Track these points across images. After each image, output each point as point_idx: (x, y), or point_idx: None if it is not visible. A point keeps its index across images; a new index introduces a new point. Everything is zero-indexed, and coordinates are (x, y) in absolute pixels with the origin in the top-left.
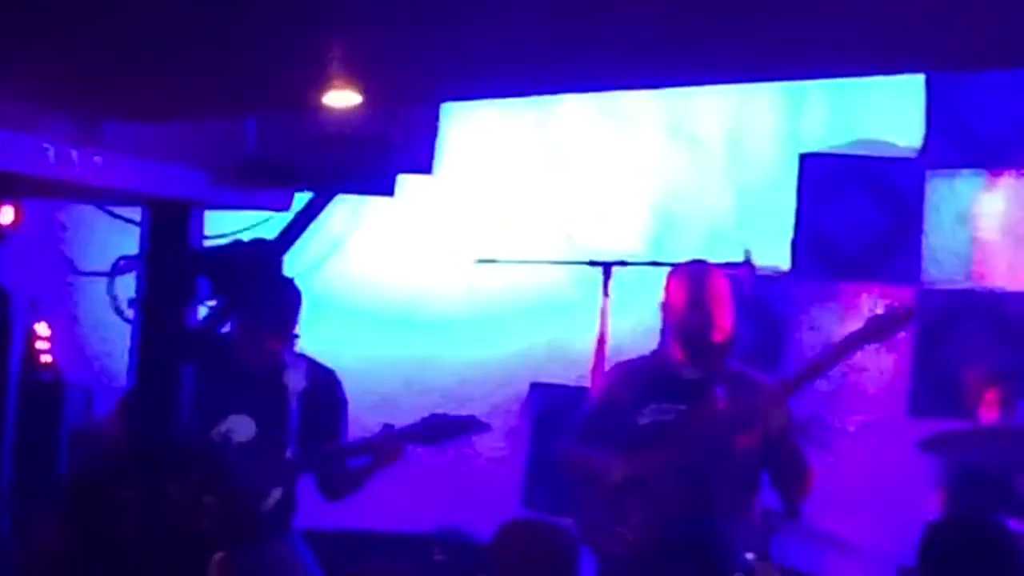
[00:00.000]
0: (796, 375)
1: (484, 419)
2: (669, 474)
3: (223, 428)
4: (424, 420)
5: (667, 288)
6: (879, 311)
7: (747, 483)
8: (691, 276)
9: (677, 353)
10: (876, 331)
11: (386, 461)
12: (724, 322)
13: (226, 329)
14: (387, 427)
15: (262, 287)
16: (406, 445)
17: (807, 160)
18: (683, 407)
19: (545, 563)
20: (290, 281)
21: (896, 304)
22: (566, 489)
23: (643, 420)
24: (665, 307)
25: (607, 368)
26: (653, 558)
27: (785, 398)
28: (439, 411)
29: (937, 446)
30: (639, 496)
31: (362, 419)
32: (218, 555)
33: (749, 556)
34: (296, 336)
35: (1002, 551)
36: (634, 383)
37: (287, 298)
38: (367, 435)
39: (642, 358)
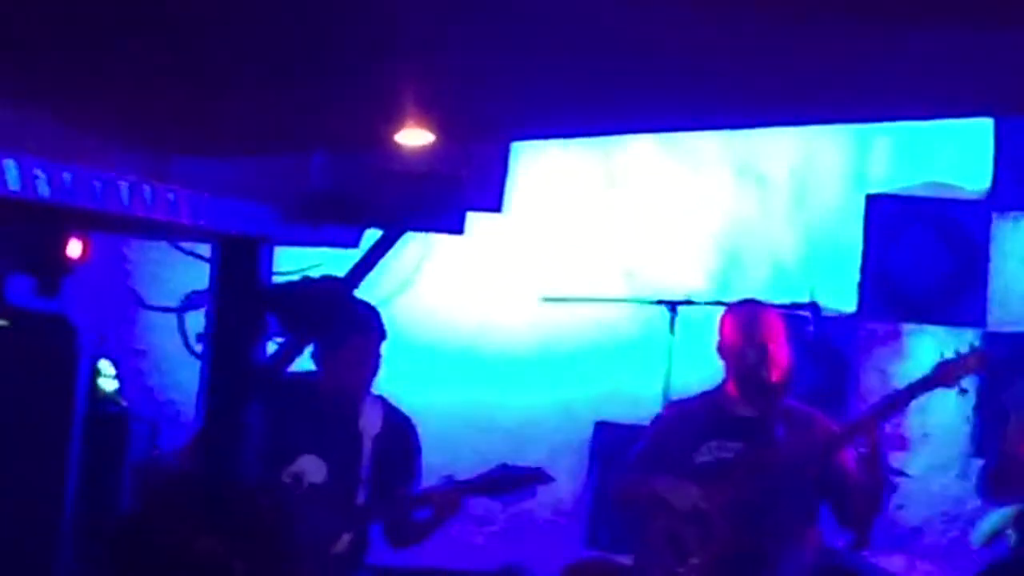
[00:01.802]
0: (859, 419)
1: (547, 458)
2: (728, 513)
3: (294, 469)
4: (489, 472)
5: (721, 327)
6: (948, 356)
7: (805, 519)
8: (744, 315)
9: (733, 391)
10: (943, 377)
11: (447, 514)
12: (780, 360)
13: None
14: (447, 479)
15: (336, 323)
16: (468, 497)
17: (873, 201)
18: (741, 445)
19: None
20: (372, 313)
21: (966, 350)
22: (627, 528)
23: (701, 458)
24: (720, 347)
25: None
26: None
27: (846, 441)
28: (500, 451)
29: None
30: (699, 534)
31: (425, 458)
32: None
33: None
34: (376, 372)
35: None
36: (690, 421)
37: (365, 332)
38: (429, 486)
39: (698, 396)
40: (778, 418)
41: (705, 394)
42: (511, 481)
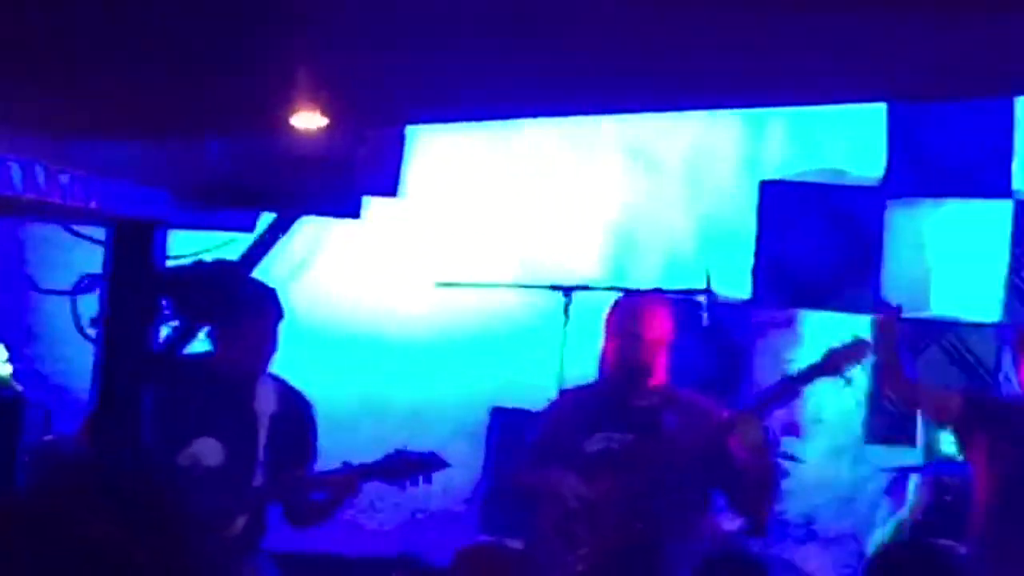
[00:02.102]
0: (752, 406)
1: (443, 444)
2: (616, 502)
3: (191, 451)
4: (385, 457)
5: (606, 320)
6: (836, 345)
7: (697, 508)
8: (627, 308)
9: (621, 382)
10: (830, 366)
11: (344, 496)
12: (661, 353)
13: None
14: (346, 464)
15: (230, 307)
16: (364, 481)
17: (767, 187)
18: (629, 435)
19: None
20: (269, 294)
21: (853, 340)
22: (520, 515)
23: (591, 448)
24: (605, 339)
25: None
26: None
27: (737, 427)
28: (396, 436)
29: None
30: (588, 523)
31: (321, 442)
32: None
33: None
34: (273, 353)
35: (939, 573)
36: (582, 410)
37: (262, 313)
38: (327, 469)
39: (590, 385)
40: (668, 407)
41: (597, 383)
42: (407, 466)
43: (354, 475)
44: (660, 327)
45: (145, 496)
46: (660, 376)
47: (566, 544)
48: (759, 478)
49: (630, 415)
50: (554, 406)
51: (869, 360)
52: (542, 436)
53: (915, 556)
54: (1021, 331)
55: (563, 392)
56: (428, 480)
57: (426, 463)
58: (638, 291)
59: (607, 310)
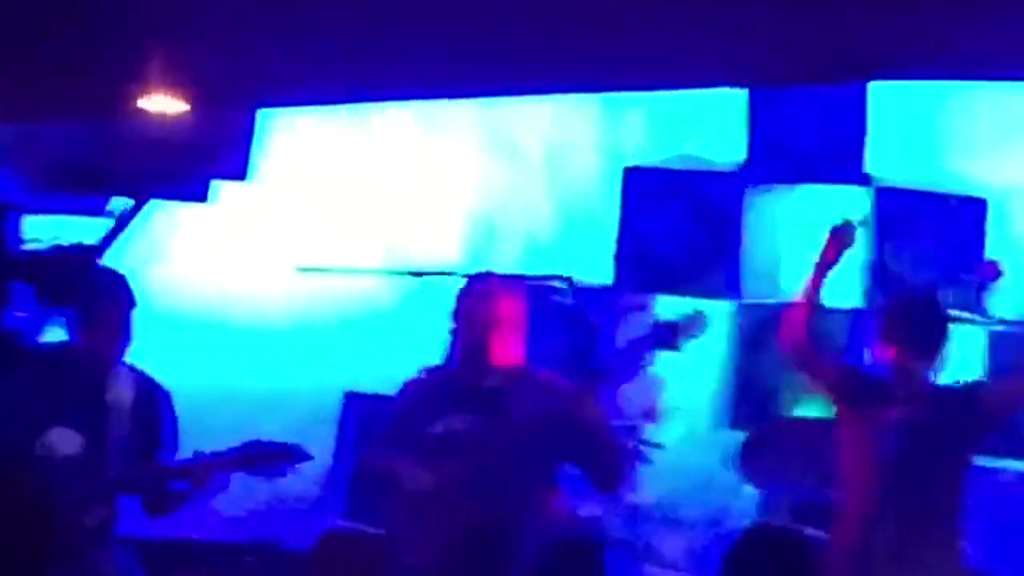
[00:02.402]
0: (596, 381)
1: (300, 429)
2: (464, 487)
3: (46, 441)
4: (243, 447)
5: (456, 302)
6: (666, 318)
7: (545, 488)
8: (477, 289)
9: (468, 363)
10: (662, 338)
11: (201, 487)
12: (512, 335)
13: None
14: (198, 454)
15: (84, 292)
16: (221, 471)
17: (629, 173)
18: (475, 417)
19: (365, 573)
20: (120, 281)
21: (693, 312)
22: (377, 502)
23: (435, 432)
24: (453, 320)
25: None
26: (453, 570)
27: (582, 403)
28: (253, 421)
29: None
30: (436, 511)
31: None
32: None
33: None
34: (128, 342)
35: (796, 558)
36: (431, 392)
37: (115, 301)
38: (183, 459)
39: (440, 368)
40: (516, 387)
41: (446, 365)
42: (264, 457)
43: (210, 465)
44: (508, 308)
45: (4, 486)
46: (511, 357)
47: (414, 529)
48: (608, 454)
49: (477, 397)
50: (404, 390)
51: (704, 334)
52: (391, 420)
53: (773, 542)
54: (879, 317)
55: (416, 375)
56: (288, 472)
57: (283, 454)
58: (488, 273)
59: (456, 292)
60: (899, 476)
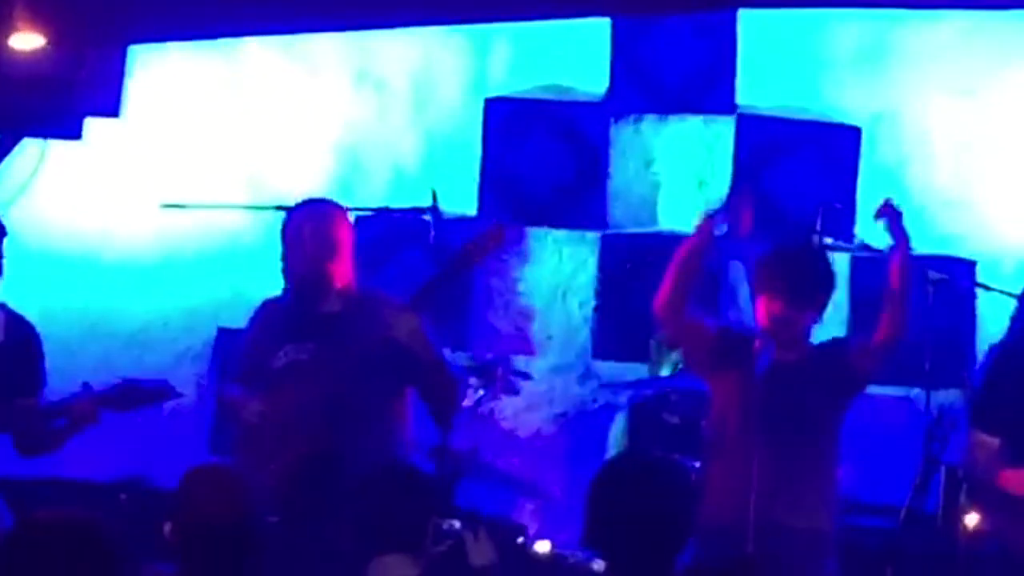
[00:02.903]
0: (412, 297)
1: (171, 364)
2: (302, 414)
3: None
4: (119, 385)
5: (282, 229)
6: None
7: (387, 410)
8: (302, 215)
9: (293, 291)
10: (470, 255)
11: (82, 424)
12: (339, 256)
13: None
14: (85, 387)
15: None
16: (102, 409)
17: (492, 104)
18: (313, 345)
19: (232, 509)
20: None
21: (494, 224)
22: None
23: (278, 363)
24: (283, 248)
25: None
26: (294, 502)
27: (404, 320)
28: (123, 357)
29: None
30: (273, 440)
31: (48, 364)
32: None
33: (455, 524)
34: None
35: (665, 482)
36: (272, 323)
37: None
38: (64, 396)
39: (282, 297)
40: (350, 311)
41: (284, 295)
42: (137, 396)
43: (90, 402)
44: (333, 232)
45: None
46: (342, 280)
47: (257, 461)
48: (427, 370)
49: (313, 324)
50: (250, 323)
51: (504, 246)
52: (241, 354)
53: (642, 467)
54: (757, 266)
55: (260, 305)
56: (158, 409)
57: (157, 392)
58: (310, 200)
59: (282, 222)
60: (774, 420)
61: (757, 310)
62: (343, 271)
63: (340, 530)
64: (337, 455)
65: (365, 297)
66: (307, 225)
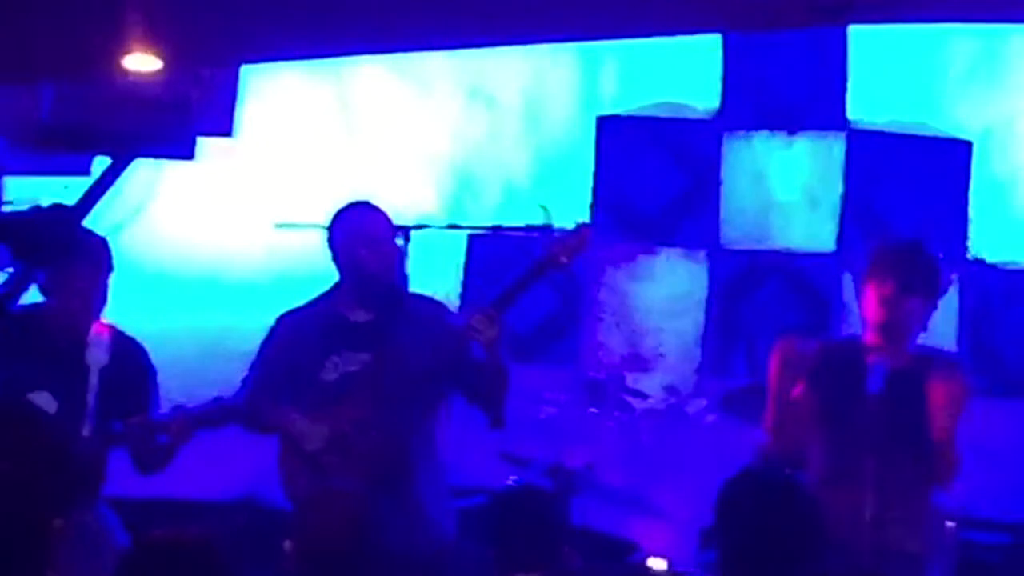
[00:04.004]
0: (482, 309)
1: None
2: (364, 428)
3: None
4: (213, 403)
5: (331, 233)
6: (557, 234)
7: (433, 415)
8: (354, 218)
9: (351, 297)
10: (550, 259)
11: (181, 441)
12: (393, 260)
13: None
14: (177, 408)
15: (62, 254)
16: (201, 427)
17: (604, 122)
18: (366, 355)
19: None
20: (99, 244)
21: (576, 225)
22: None
23: (328, 375)
24: (334, 253)
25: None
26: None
27: (474, 328)
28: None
29: (729, 404)
30: (339, 455)
31: (164, 387)
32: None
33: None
34: (104, 304)
35: (791, 501)
36: (310, 334)
37: (93, 264)
38: (163, 413)
39: (312, 304)
40: (401, 319)
41: (319, 302)
42: (229, 415)
43: (186, 420)
44: (387, 231)
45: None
46: (392, 288)
47: (319, 479)
48: (492, 374)
49: (362, 333)
50: (274, 330)
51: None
52: (268, 362)
53: (764, 484)
54: (865, 262)
55: (283, 316)
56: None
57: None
58: (358, 203)
59: (331, 224)
60: (888, 433)
61: (866, 304)
62: (392, 276)
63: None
64: (402, 464)
65: (417, 304)
66: (356, 231)
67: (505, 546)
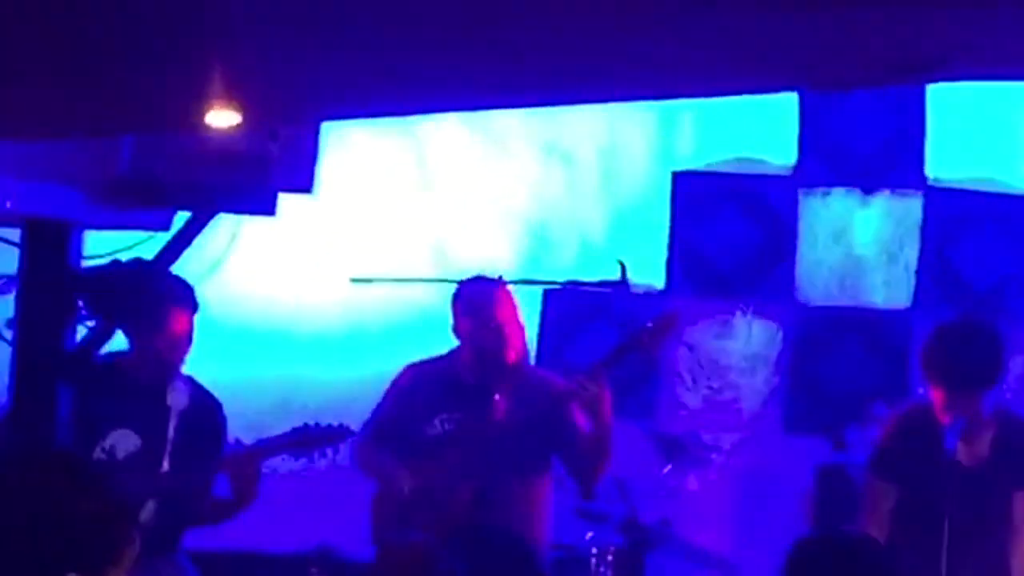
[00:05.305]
0: (582, 377)
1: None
2: (453, 483)
3: (107, 444)
4: (292, 431)
5: (454, 307)
6: (648, 324)
7: (533, 479)
8: (476, 294)
9: (467, 362)
10: (645, 338)
11: (244, 481)
12: (515, 338)
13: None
14: (238, 442)
15: (145, 304)
16: (262, 461)
17: (680, 178)
18: (464, 415)
19: None
20: (185, 287)
21: (663, 313)
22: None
23: (432, 431)
24: (455, 327)
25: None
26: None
27: (569, 402)
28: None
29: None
30: (425, 507)
31: (242, 439)
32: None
33: None
34: (189, 346)
35: (867, 565)
36: (425, 389)
37: (179, 307)
38: (247, 445)
39: (436, 361)
40: (505, 385)
41: (443, 359)
42: (313, 438)
43: (256, 451)
44: (503, 310)
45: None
46: (511, 356)
47: (402, 529)
48: (592, 443)
49: (466, 395)
50: (398, 382)
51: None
52: (386, 413)
53: (835, 549)
54: (922, 356)
55: (408, 368)
56: (336, 449)
57: (331, 434)
58: (481, 277)
59: (453, 295)
60: (958, 514)
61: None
62: (509, 347)
63: None
64: (484, 528)
65: (527, 373)
66: (478, 301)
67: None
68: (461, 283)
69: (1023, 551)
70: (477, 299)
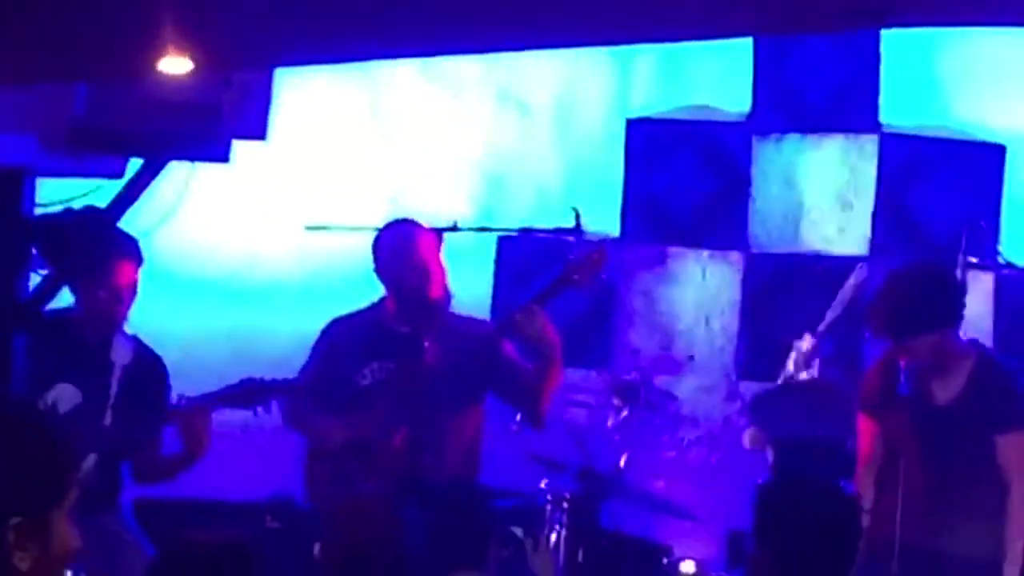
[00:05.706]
0: (508, 318)
1: None
2: (386, 432)
3: (49, 398)
4: (235, 384)
5: (376, 249)
6: (575, 257)
7: (466, 414)
8: (399, 235)
9: (393, 310)
10: (572, 275)
11: (194, 434)
12: (438, 277)
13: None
14: (181, 397)
15: (93, 253)
16: (211, 413)
17: (634, 125)
18: (395, 364)
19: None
20: (130, 242)
21: (592, 249)
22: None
23: (363, 381)
24: (377, 268)
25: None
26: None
27: (500, 340)
28: None
29: (758, 409)
30: (359, 459)
31: (192, 388)
32: (14, 520)
33: (517, 531)
34: (132, 300)
35: (836, 512)
36: (353, 340)
37: (124, 262)
38: (190, 397)
39: (360, 313)
40: (433, 331)
41: (367, 311)
42: (258, 391)
43: (204, 404)
44: (433, 249)
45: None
46: (435, 291)
47: (339, 481)
48: (530, 374)
49: (396, 344)
50: (324, 336)
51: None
52: (314, 368)
53: (812, 494)
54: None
55: (333, 322)
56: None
57: (278, 387)
58: (400, 220)
59: (375, 238)
60: (924, 457)
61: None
62: (432, 291)
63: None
64: (421, 474)
65: (451, 321)
66: (398, 246)
67: (443, 544)
68: (381, 228)
69: (1019, 500)
70: (398, 240)
